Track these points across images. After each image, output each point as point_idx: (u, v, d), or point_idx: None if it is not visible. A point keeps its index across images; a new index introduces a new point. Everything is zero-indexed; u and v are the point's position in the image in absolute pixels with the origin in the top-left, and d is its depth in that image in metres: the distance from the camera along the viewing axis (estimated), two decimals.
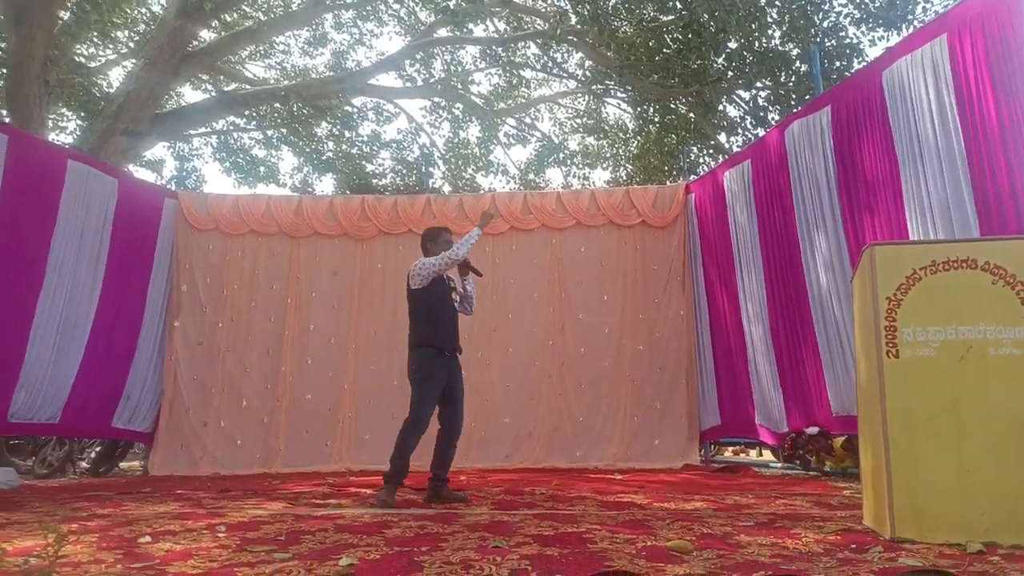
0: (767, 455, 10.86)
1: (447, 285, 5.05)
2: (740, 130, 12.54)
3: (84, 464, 8.92)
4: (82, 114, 12.95)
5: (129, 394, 8.17)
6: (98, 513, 4.27)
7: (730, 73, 11.48)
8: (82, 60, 13.09)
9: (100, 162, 8.45)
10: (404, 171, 16.16)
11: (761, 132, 10.66)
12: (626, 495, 5.24)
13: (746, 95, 12.18)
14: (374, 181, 15.53)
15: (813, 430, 6.35)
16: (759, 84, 11.62)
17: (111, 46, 13.86)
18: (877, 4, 10.64)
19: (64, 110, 13.51)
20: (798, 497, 4.89)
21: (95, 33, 12.01)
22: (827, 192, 6.12)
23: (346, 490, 5.78)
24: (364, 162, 15.86)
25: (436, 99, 15.47)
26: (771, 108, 11.87)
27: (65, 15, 9.90)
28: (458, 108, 15.56)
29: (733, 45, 10.96)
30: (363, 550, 2.90)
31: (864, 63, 9.21)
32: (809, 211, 6.36)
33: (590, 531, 3.42)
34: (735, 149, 11.58)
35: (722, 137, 12.92)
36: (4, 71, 9.68)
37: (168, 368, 8.53)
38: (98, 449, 9.01)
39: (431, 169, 15.77)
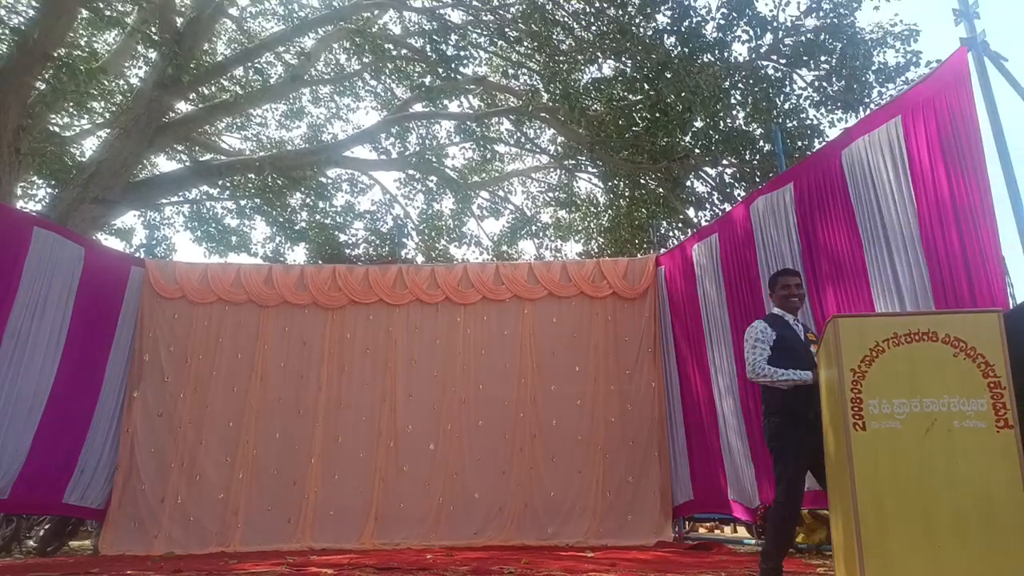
0: (741, 531, 10.67)
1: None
2: (708, 205, 12.87)
3: (31, 543, 8.45)
4: (53, 182, 12.87)
5: (83, 468, 7.84)
6: None
7: (697, 151, 11.83)
8: (56, 129, 13.10)
9: (67, 230, 8.35)
10: (377, 241, 16.19)
11: (728, 207, 10.92)
12: (597, 574, 5.08)
13: (713, 172, 12.54)
14: (347, 251, 15.53)
15: None
16: (725, 161, 11.98)
17: (87, 116, 13.91)
18: (835, 88, 11.15)
19: (35, 178, 13.42)
20: None
21: (71, 103, 12.05)
22: (792, 265, 6.22)
23: (306, 570, 5.52)
24: (337, 232, 15.88)
25: (410, 171, 15.68)
26: (737, 184, 12.22)
27: (41, 85, 9.96)
28: (432, 180, 15.77)
29: (699, 124, 11.34)
30: None
31: (824, 142, 9.57)
32: None
33: None
34: (703, 223, 11.84)
35: (691, 211, 13.22)
36: None
37: (124, 441, 8.22)
38: (47, 527, 8.57)
39: (404, 240, 15.84)
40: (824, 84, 11.27)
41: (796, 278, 4.31)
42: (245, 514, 8.11)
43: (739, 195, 11.66)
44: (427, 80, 12.96)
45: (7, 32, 9.89)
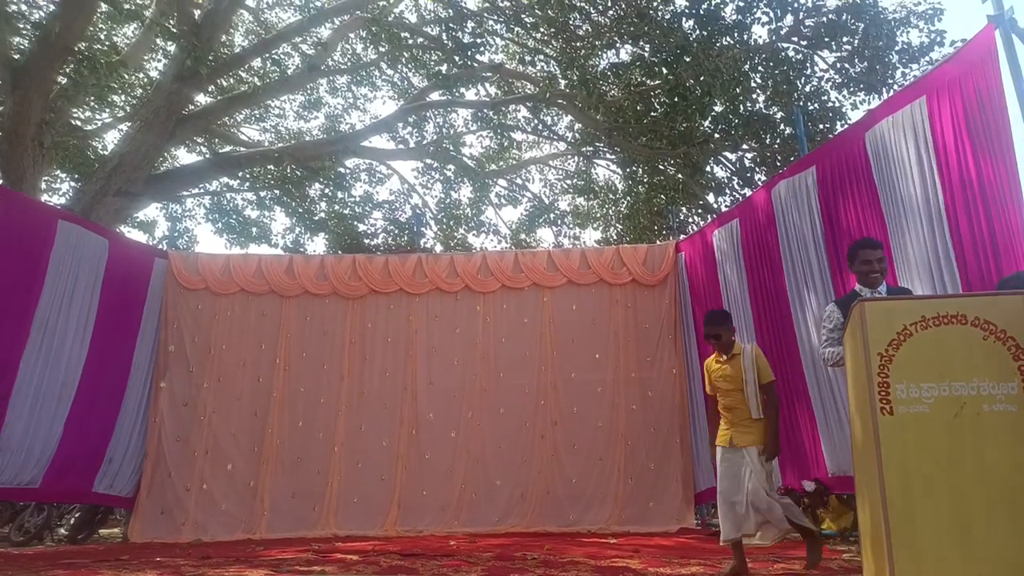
0: None
1: None
2: (728, 190, 12.75)
3: (63, 531, 8.63)
4: (76, 175, 13.04)
5: (111, 457, 7.98)
6: None
7: (716, 135, 11.72)
8: (78, 123, 13.24)
9: (91, 223, 8.46)
10: (396, 231, 16.25)
11: (748, 192, 10.82)
12: (620, 560, 5.10)
13: (733, 156, 12.42)
14: (366, 241, 15.60)
15: (810, 486, 6.24)
16: (745, 146, 11.85)
17: (108, 109, 14.04)
18: (857, 69, 10.97)
19: (58, 172, 13.60)
20: (797, 561, 4.77)
21: (92, 97, 12.17)
22: (815, 250, 6.17)
23: (332, 556, 5.59)
24: (356, 222, 15.95)
25: (428, 161, 15.68)
26: (757, 169, 12.09)
27: (63, 79, 10.06)
28: (450, 169, 15.76)
29: (719, 108, 11.23)
30: None
31: (847, 125, 9.43)
32: (798, 269, 6.40)
33: None
34: (723, 209, 11.74)
35: (710, 197, 13.11)
36: None
37: (152, 430, 8.36)
38: (77, 515, 8.74)
39: (423, 229, 15.87)
40: (846, 65, 11.10)
41: (877, 251, 3.94)
42: (270, 501, 8.22)
43: (760, 179, 11.55)
44: (444, 68, 12.91)
45: (29, 27, 9.98)
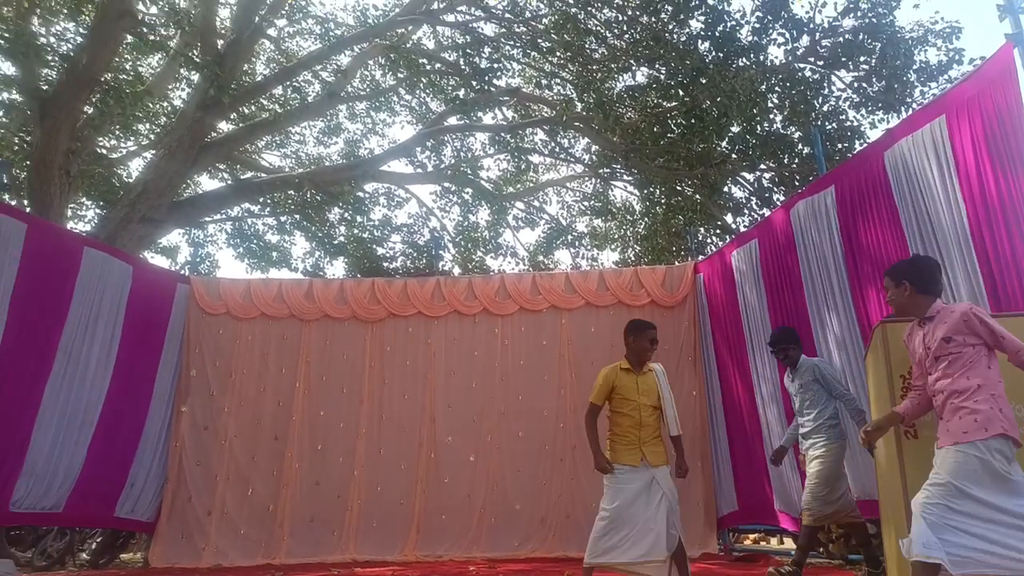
0: (789, 543, 10.44)
1: None
2: (746, 210, 12.71)
3: (84, 555, 8.69)
4: (101, 203, 13.29)
5: (133, 482, 8.03)
6: None
7: (734, 156, 11.72)
8: (103, 151, 13.53)
9: (116, 249, 8.60)
10: (415, 254, 16.34)
11: (767, 212, 10.78)
12: None
13: (751, 176, 12.41)
14: (385, 264, 15.70)
15: None
16: (763, 166, 11.83)
17: (132, 138, 14.35)
18: (875, 88, 10.94)
19: (84, 199, 13.87)
20: None
21: (117, 126, 12.44)
22: (835, 270, 6.11)
23: None
24: (375, 246, 16.07)
25: (446, 184, 15.80)
26: (776, 189, 12.06)
27: (89, 109, 10.30)
28: (468, 193, 15.86)
29: (736, 129, 11.24)
30: None
31: (865, 144, 9.39)
32: (819, 289, 6.34)
33: None
34: (742, 229, 11.70)
35: (728, 217, 13.08)
36: (27, 163, 10.00)
37: (173, 455, 8.41)
38: (99, 540, 8.79)
39: (441, 252, 15.95)
40: (864, 85, 11.09)
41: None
42: (290, 526, 8.21)
43: (778, 199, 11.51)
44: (461, 93, 13.06)
45: (57, 59, 10.25)
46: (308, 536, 8.19)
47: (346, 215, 15.88)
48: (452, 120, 14.33)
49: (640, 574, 4.24)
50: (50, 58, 10.20)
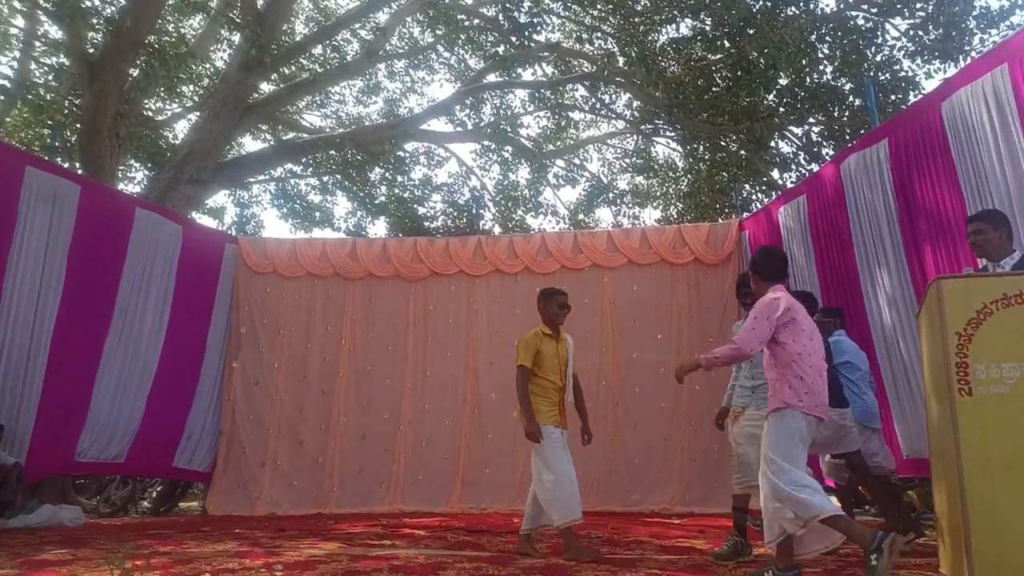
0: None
1: None
2: (793, 166, 12.38)
3: (146, 503, 9.12)
4: (149, 165, 13.55)
5: (189, 434, 8.36)
6: (160, 551, 4.34)
7: (781, 109, 11.38)
8: (150, 114, 13.75)
9: (166, 209, 8.80)
10: (455, 213, 16.38)
11: (815, 167, 10.50)
12: (686, 540, 5.09)
13: (799, 131, 12.04)
14: (426, 224, 15.78)
15: None
16: (812, 119, 11.48)
17: (177, 100, 14.54)
18: (932, 37, 10.46)
19: (132, 161, 14.16)
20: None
21: (162, 88, 12.62)
22: (888, 226, 5.95)
23: (400, 531, 5.75)
24: (416, 205, 16.14)
25: (486, 142, 15.71)
26: (825, 143, 11.70)
27: (135, 72, 10.44)
28: (507, 151, 15.76)
29: (784, 81, 10.89)
30: None
31: (921, 95, 9.04)
32: (870, 246, 6.19)
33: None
34: (789, 185, 11.43)
35: (775, 173, 12.76)
36: (78, 126, 10.22)
37: (226, 409, 8.71)
38: (159, 489, 9.20)
39: (481, 211, 15.94)
40: (919, 33, 10.60)
41: (974, 224, 4.03)
42: (339, 477, 8.48)
43: (827, 154, 11.18)
44: (500, 49, 12.89)
45: (102, 22, 10.37)
46: (356, 487, 8.45)
47: (387, 175, 15.95)
48: (491, 77, 14.18)
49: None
50: (96, 21, 10.31)
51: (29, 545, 4.76)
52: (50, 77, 12.25)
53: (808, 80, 10.91)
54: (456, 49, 15.30)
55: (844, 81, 11.17)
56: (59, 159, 9.36)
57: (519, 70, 13.49)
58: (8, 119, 13.01)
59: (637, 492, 8.17)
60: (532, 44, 12.43)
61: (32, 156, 8.15)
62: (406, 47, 15.73)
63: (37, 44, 11.79)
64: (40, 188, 6.83)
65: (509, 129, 15.21)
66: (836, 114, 11.12)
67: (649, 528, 6.01)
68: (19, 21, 11.18)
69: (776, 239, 7.82)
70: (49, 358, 6.79)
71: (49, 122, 11.38)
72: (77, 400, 7.12)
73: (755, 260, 3.93)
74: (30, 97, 11.43)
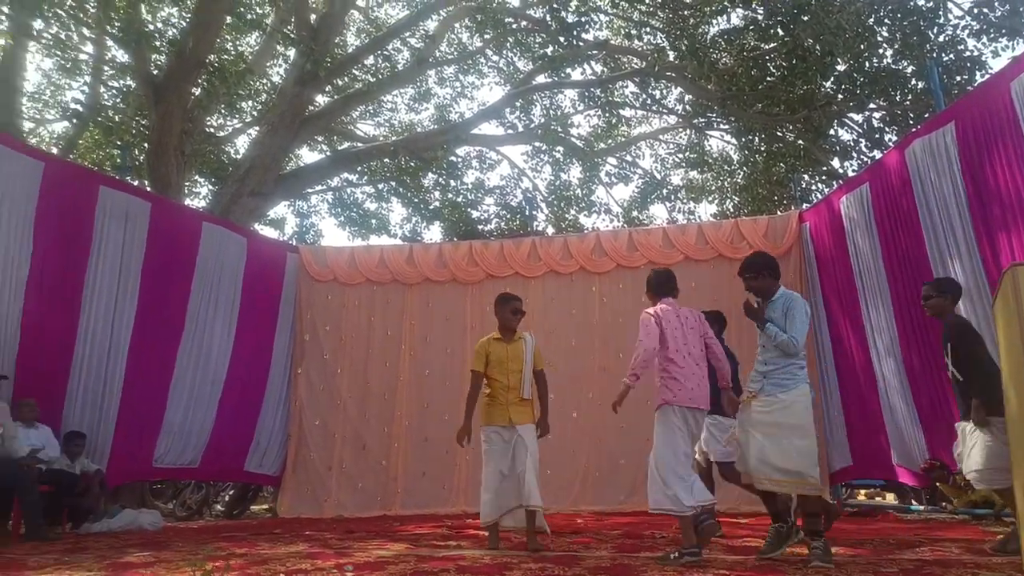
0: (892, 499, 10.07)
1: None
2: (854, 154, 12.01)
3: (219, 507, 9.44)
4: (213, 180, 14.04)
5: (259, 439, 8.62)
6: (236, 552, 4.49)
7: (840, 96, 11.07)
8: (212, 131, 14.24)
9: (231, 223, 9.11)
10: (508, 215, 16.45)
11: (878, 154, 10.17)
12: (754, 540, 5.01)
13: (859, 117, 11.70)
14: (479, 227, 15.90)
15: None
16: (872, 105, 11.13)
17: (237, 116, 15.02)
18: (998, 13, 10.03)
19: (197, 177, 14.69)
20: (946, 542, 4.51)
21: (223, 105, 13.05)
22: (958, 213, 5.73)
23: (464, 532, 5.81)
24: (469, 209, 16.29)
25: (537, 144, 15.74)
26: (887, 129, 11.33)
27: (197, 91, 10.83)
28: (559, 151, 15.75)
29: (842, 67, 10.58)
30: None
31: (988, 75, 8.66)
32: (940, 235, 5.96)
33: None
34: (850, 174, 11.10)
35: (835, 162, 12.42)
36: (145, 145, 10.65)
37: (293, 414, 8.95)
38: (231, 492, 9.52)
39: (534, 212, 15.98)
40: (984, 10, 10.17)
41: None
42: (403, 480, 8.63)
43: (890, 140, 10.82)
44: (549, 50, 12.88)
45: (165, 44, 10.80)
46: (420, 490, 8.58)
47: (440, 180, 16.13)
48: (540, 78, 14.20)
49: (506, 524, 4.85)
50: (159, 44, 10.75)
51: (113, 548, 4.99)
52: (118, 100, 12.80)
53: (867, 65, 10.59)
54: (504, 52, 15.39)
55: (906, 64, 10.80)
56: (129, 178, 9.77)
57: (568, 70, 13.46)
58: (80, 141, 13.66)
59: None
60: (580, 43, 12.39)
61: (105, 176, 8.53)
62: (455, 52, 15.89)
63: (106, 68, 12.33)
64: (114, 207, 7.17)
65: (560, 129, 15.20)
66: (898, 98, 10.76)
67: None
68: (88, 48, 11.71)
69: (838, 230, 7.61)
70: (126, 370, 7.12)
71: (118, 143, 11.91)
72: (153, 409, 7.43)
73: (649, 279, 4.83)
74: (100, 119, 11.97)
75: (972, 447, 4.29)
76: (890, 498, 10.63)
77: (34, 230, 6.50)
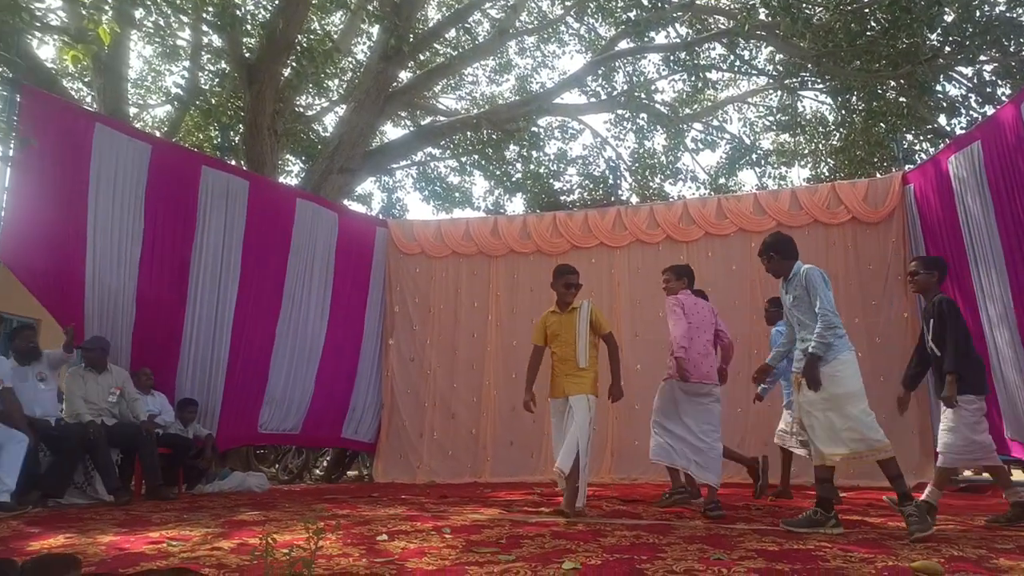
0: (1018, 474, 9.52)
1: None
2: (963, 110, 11.25)
3: (318, 471, 9.90)
4: (304, 157, 14.50)
5: (354, 407, 8.97)
6: (338, 514, 4.71)
7: (947, 49, 10.35)
8: (301, 110, 14.67)
9: (322, 199, 9.41)
10: (591, 186, 16.30)
11: (990, 110, 9.49)
12: (854, 515, 4.88)
13: (968, 71, 10.93)
14: (562, 198, 15.82)
15: None
16: (984, 57, 10.36)
17: (324, 95, 15.42)
18: None
19: (289, 155, 15.20)
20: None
21: (311, 84, 13.41)
22: None
23: (555, 500, 5.88)
24: (552, 180, 16.22)
25: (620, 111, 15.47)
26: (1000, 83, 10.55)
27: (287, 71, 11.17)
28: (642, 118, 15.42)
29: (949, 18, 9.88)
30: (583, 555, 2.94)
31: None
32: None
33: (819, 548, 3.22)
34: (958, 132, 10.41)
35: (942, 120, 11.67)
36: (240, 126, 11.09)
37: (386, 383, 9.25)
38: (329, 458, 9.96)
39: (618, 181, 15.74)
40: None
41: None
42: (492, 448, 8.80)
43: (1004, 95, 10.07)
44: (632, 14, 12.57)
45: (256, 27, 11.16)
46: (509, 458, 8.72)
47: (522, 151, 16.11)
48: (623, 44, 13.90)
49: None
50: (250, 28, 11.12)
51: (226, 507, 5.32)
52: (215, 82, 13.35)
53: (978, 14, 9.84)
54: (586, 19, 15.12)
55: (1021, 11, 9.98)
56: (227, 158, 10.21)
57: (652, 34, 13.09)
58: (182, 124, 14.34)
59: (796, 464, 7.84)
60: (665, 5, 12.04)
61: (206, 156, 8.96)
62: (535, 22, 15.73)
63: (203, 53, 12.85)
64: (215, 186, 7.52)
65: (643, 96, 14.87)
66: (1013, 49, 9.98)
67: (813, 500, 5.77)
68: (186, 34, 12.23)
69: (947, 192, 7.17)
70: (232, 341, 7.54)
71: (216, 124, 12.44)
72: (256, 378, 7.84)
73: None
74: (199, 102, 12.52)
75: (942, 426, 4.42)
76: (1018, 475, 10.08)
77: (145, 209, 6.93)
